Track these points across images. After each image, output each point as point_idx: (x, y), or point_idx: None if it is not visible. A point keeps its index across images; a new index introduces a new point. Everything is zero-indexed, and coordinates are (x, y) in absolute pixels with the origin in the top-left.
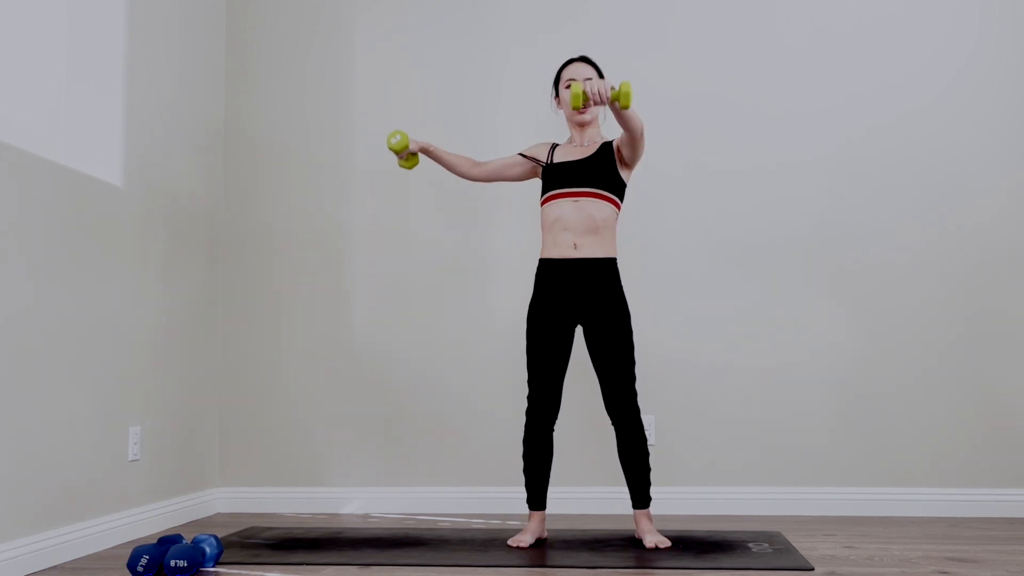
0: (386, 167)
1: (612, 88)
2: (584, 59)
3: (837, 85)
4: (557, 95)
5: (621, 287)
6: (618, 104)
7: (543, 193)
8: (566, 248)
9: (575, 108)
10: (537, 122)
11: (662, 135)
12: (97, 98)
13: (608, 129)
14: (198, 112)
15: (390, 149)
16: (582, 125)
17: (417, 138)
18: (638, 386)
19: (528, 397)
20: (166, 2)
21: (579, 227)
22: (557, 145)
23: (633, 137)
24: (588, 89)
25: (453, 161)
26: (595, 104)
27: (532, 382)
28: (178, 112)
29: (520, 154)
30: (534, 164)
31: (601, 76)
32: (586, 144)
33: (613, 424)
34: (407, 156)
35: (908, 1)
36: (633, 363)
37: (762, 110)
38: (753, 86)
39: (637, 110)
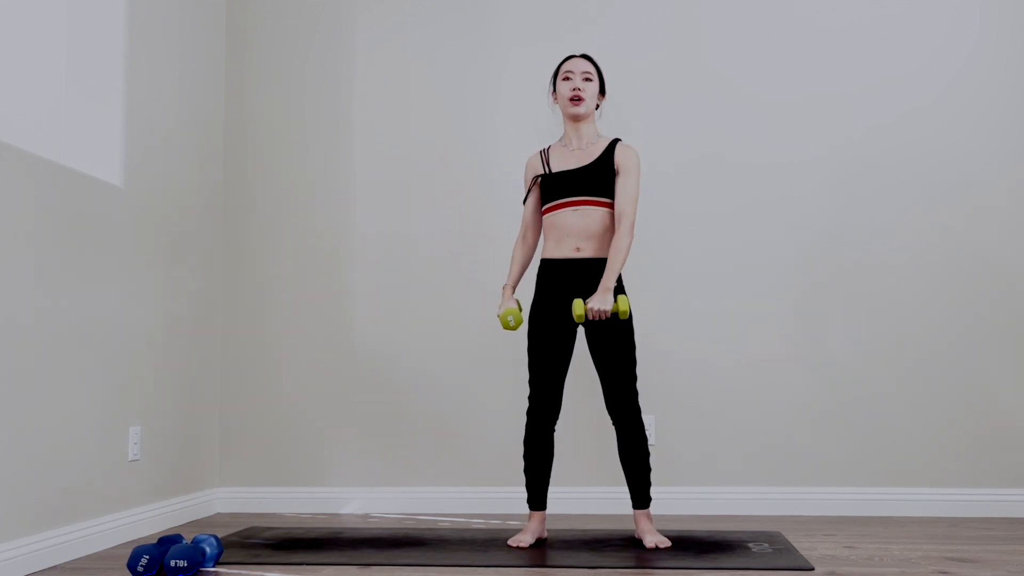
0: (386, 167)
1: (613, 305)
2: (584, 56)
3: (837, 85)
4: (555, 90)
5: (623, 287)
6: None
7: (544, 202)
8: (568, 250)
9: (577, 321)
10: (537, 122)
11: (662, 135)
12: (97, 98)
13: (606, 127)
14: (198, 112)
15: (513, 328)
16: (577, 119)
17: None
18: (638, 386)
19: (529, 397)
20: (166, 2)
21: (581, 233)
22: (549, 147)
23: None
24: (590, 313)
25: (523, 265)
26: (595, 319)
27: (533, 383)
28: (178, 112)
29: (525, 199)
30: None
31: (600, 73)
32: (584, 146)
33: (614, 424)
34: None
35: (908, 1)
36: (634, 363)
37: (762, 110)
38: (753, 86)
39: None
